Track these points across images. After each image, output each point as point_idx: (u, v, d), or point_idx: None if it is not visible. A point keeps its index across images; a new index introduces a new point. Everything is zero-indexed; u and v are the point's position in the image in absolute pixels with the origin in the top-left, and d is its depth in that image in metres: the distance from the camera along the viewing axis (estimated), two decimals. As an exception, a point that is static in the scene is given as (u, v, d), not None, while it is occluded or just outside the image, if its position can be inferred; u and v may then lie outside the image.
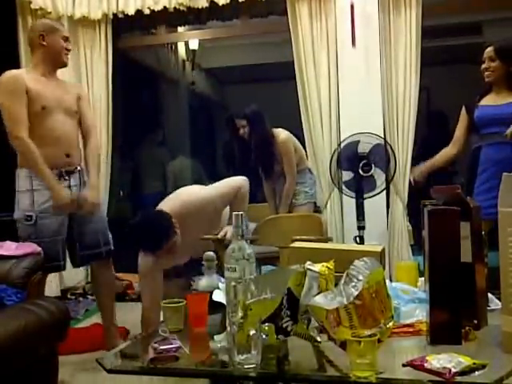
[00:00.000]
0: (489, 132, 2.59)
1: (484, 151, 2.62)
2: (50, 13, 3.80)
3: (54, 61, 2.54)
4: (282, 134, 3.35)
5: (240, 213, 1.22)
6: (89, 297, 3.74)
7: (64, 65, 2.60)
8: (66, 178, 2.49)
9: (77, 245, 2.58)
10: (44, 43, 2.50)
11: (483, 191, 2.55)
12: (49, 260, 2.36)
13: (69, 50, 2.58)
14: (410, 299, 1.41)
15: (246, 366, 1.08)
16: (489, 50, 2.60)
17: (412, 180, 2.96)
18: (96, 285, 2.75)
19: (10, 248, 2.20)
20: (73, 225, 2.55)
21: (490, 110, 2.62)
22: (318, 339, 1.18)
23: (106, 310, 2.71)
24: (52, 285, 3.48)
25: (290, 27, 3.63)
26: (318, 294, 1.19)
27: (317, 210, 3.45)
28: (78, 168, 2.55)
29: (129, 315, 3.23)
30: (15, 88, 2.39)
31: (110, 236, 2.70)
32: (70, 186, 2.49)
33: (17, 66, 3.74)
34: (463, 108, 2.77)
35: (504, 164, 2.44)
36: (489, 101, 2.65)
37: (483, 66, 2.62)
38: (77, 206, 2.51)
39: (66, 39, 2.57)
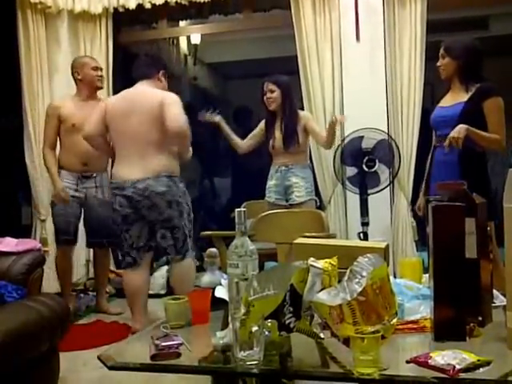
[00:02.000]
0: (439, 134, 2.60)
1: (435, 153, 2.64)
2: (50, 7, 3.80)
3: (89, 88, 3.27)
4: (302, 111, 3.30)
5: (242, 209, 1.21)
6: (90, 293, 3.75)
7: (98, 88, 3.32)
8: (83, 180, 3.27)
9: (89, 229, 3.38)
10: (79, 77, 3.26)
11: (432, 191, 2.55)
12: (62, 234, 3.27)
13: (100, 77, 3.30)
14: (414, 295, 1.40)
15: (248, 363, 1.08)
16: (441, 49, 2.64)
17: (418, 209, 2.83)
18: (95, 264, 3.55)
19: (10, 244, 2.20)
20: (86, 216, 3.33)
21: (439, 111, 2.64)
22: (321, 336, 1.17)
23: (99, 282, 3.53)
24: (53, 281, 3.49)
25: (294, 21, 3.61)
26: (321, 290, 1.18)
27: (318, 207, 3.38)
28: (94, 175, 3.29)
29: (128, 312, 3.23)
30: (48, 115, 3.27)
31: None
32: (85, 188, 3.28)
33: (16, 59, 3.75)
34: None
35: (446, 166, 2.49)
36: (443, 101, 2.66)
37: (437, 64, 2.65)
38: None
39: (96, 68, 3.29)
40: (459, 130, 2.41)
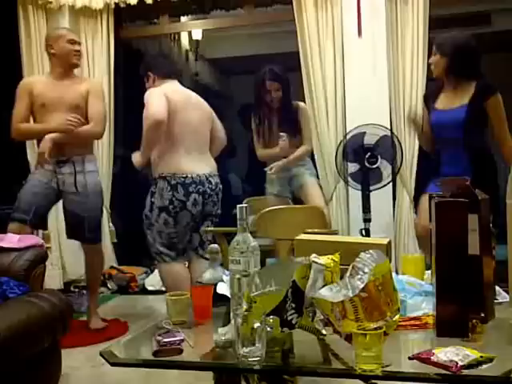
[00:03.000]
0: (443, 137, 2.57)
1: (442, 155, 2.60)
2: (51, 2, 3.79)
3: (64, 64, 2.84)
4: (300, 103, 3.26)
5: (244, 205, 1.21)
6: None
7: (74, 66, 2.88)
8: (60, 165, 2.81)
9: (68, 223, 2.91)
10: (53, 51, 2.84)
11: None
12: (21, 211, 2.77)
13: (77, 51, 2.86)
14: (417, 292, 1.40)
15: (250, 359, 1.07)
16: (434, 44, 2.58)
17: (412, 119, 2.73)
18: (85, 264, 2.99)
19: (12, 240, 2.20)
20: (65, 207, 2.89)
21: (441, 116, 2.57)
22: (323, 332, 1.17)
23: (87, 285, 2.98)
24: (55, 278, 3.50)
25: (295, 17, 3.60)
26: (324, 286, 1.18)
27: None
28: (72, 159, 2.82)
29: (130, 308, 3.24)
30: (19, 93, 2.82)
31: (112, 230, 2.98)
32: (62, 174, 2.81)
33: (17, 54, 3.74)
34: (423, 102, 2.74)
35: (457, 167, 2.44)
36: (441, 103, 2.59)
37: (430, 60, 2.61)
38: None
39: (73, 42, 2.85)
40: None
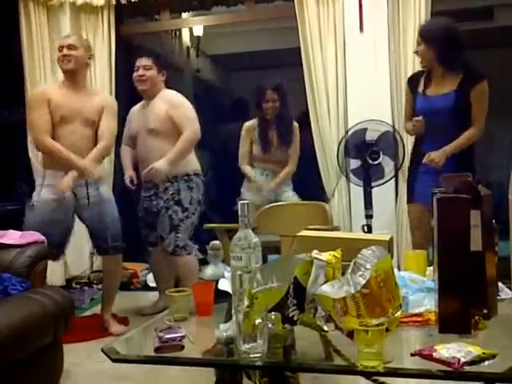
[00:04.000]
0: (430, 125, 2.53)
1: (423, 143, 2.59)
2: (52, -1, 3.77)
3: (63, 73, 2.81)
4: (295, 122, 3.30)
5: (246, 201, 1.20)
6: (94, 286, 3.76)
7: (67, 72, 2.79)
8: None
9: (92, 236, 2.88)
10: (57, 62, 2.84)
11: (423, 179, 2.53)
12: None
13: (64, 56, 2.76)
14: (419, 288, 1.39)
15: (251, 355, 1.07)
16: (417, 36, 2.55)
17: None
18: (103, 273, 3.06)
19: (13, 237, 2.20)
20: (82, 220, 2.84)
21: (427, 102, 2.55)
22: (325, 328, 1.16)
23: (105, 299, 2.97)
24: (57, 274, 3.50)
25: (297, 12, 3.58)
26: (325, 283, 1.17)
27: (315, 195, 3.38)
28: (88, 180, 2.77)
29: (132, 304, 3.25)
30: (39, 101, 2.73)
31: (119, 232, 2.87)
32: (75, 187, 2.74)
33: (18, 51, 3.73)
34: (406, 85, 2.70)
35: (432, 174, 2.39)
36: (429, 90, 2.56)
37: (416, 49, 2.58)
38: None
39: (61, 48, 2.78)
40: (440, 158, 2.44)
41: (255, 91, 3.28)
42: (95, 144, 2.79)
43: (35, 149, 2.80)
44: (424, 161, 2.48)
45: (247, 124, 3.32)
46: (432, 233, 1.28)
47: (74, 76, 2.79)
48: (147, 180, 3.00)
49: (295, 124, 3.30)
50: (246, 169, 3.27)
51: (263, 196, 3.21)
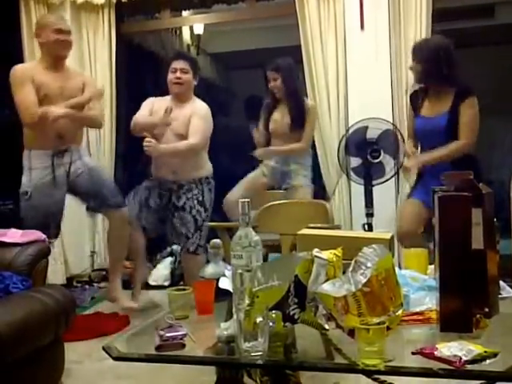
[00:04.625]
0: (426, 146, 2.59)
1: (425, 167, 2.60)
2: (53, -3, 3.77)
3: (51, 54, 2.79)
4: (310, 101, 3.29)
5: (246, 200, 1.20)
6: (95, 284, 3.76)
7: (61, 57, 2.81)
8: (59, 156, 2.80)
9: (87, 201, 2.97)
10: (40, 40, 2.79)
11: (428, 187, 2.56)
12: (44, 230, 2.55)
13: (64, 42, 2.77)
14: (420, 287, 1.39)
15: (252, 354, 1.07)
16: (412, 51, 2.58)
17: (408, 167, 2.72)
18: (108, 236, 3.06)
19: (14, 235, 2.20)
20: (76, 191, 2.89)
21: (423, 123, 2.57)
22: (326, 327, 1.16)
23: (112, 262, 3.01)
24: (58, 273, 3.50)
25: (297, 10, 3.58)
26: (326, 281, 1.17)
27: (316, 194, 3.34)
28: (72, 147, 2.85)
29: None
30: (23, 79, 2.70)
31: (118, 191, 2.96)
32: (63, 164, 2.81)
33: (19, 49, 3.73)
34: (409, 102, 2.72)
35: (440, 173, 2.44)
36: (425, 110, 2.58)
37: (410, 66, 2.61)
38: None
39: (59, 31, 2.76)
40: (413, 165, 2.55)
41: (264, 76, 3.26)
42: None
43: (28, 126, 2.73)
44: (401, 169, 2.58)
45: (267, 101, 3.30)
46: (433, 231, 1.27)
47: (63, 60, 2.85)
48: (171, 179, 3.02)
49: (310, 103, 3.25)
50: (255, 137, 3.28)
51: (271, 169, 3.20)
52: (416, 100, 2.64)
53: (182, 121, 2.99)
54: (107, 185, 2.93)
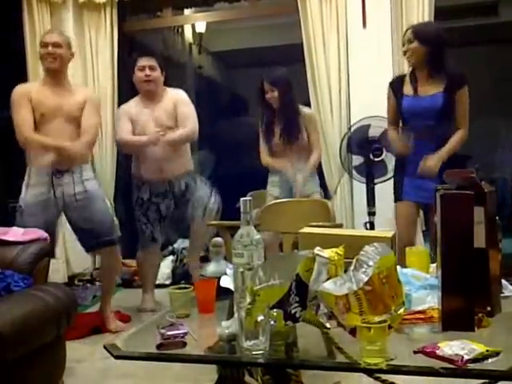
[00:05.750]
0: (414, 125, 2.58)
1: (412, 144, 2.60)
2: (55, -4, 3.77)
3: (45, 70, 2.77)
4: (308, 109, 3.25)
5: (248, 198, 1.20)
6: (96, 283, 3.77)
7: (49, 70, 2.74)
8: (58, 176, 2.72)
9: (78, 234, 2.82)
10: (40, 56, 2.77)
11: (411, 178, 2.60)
12: None
13: (49, 55, 2.70)
14: (422, 285, 1.39)
15: (254, 352, 1.07)
16: (407, 33, 2.59)
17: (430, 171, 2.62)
18: (100, 269, 3.08)
19: (16, 234, 2.20)
20: (70, 219, 2.80)
21: (415, 102, 2.57)
22: (327, 325, 1.16)
23: (103, 294, 2.94)
24: (59, 271, 3.50)
25: (299, 8, 3.57)
26: (328, 279, 1.17)
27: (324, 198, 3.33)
28: (72, 169, 2.73)
29: (134, 302, 3.25)
30: (20, 100, 2.69)
31: (116, 224, 2.88)
32: (61, 184, 2.72)
33: (21, 49, 3.73)
34: (389, 89, 2.72)
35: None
36: (412, 91, 2.59)
37: (405, 47, 2.59)
38: None
39: (45, 45, 2.71)
40: (436, 164, 2.47)
41: (259, 86, 3.23)
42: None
43: (23, 147, 2.73)
44: (421, 167, 2.51)
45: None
46: (435, 229, 1.27)
47: (57, 74, 2.74)
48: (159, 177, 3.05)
49: (306, 111, 3.17)
50: (268, 160, 3.14)
51: (282, 181, 3.12)
52: (398, 85, 2.66)
53: (166, 115, 2.98)
54: (101, 220, 2.76)
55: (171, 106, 3.00)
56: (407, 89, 2.61)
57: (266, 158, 3.13)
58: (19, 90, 2.74)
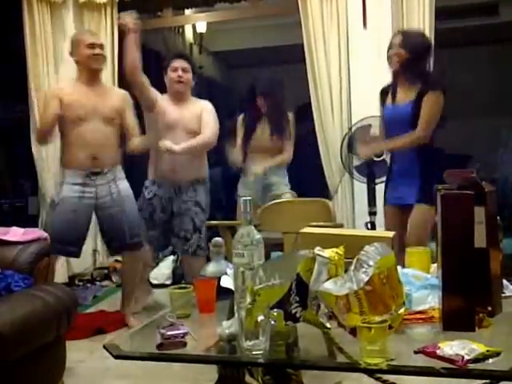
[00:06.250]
0: (391, 134, 2.61)
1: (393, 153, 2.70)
2: (55, -4, 3.77)
3: (86, 70, 2.80)
4: (289, 112, 3.32)
5: (248, 198, 1.19)
6: (97, 283, 3.76)
7: (95, 70, 2.82)
8: (93, 178, 2.77)
9: (107, 236, 2.88)
10: (75, 58, 2.82)
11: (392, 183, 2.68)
12: (63, 243, 2.65)
13: (97, 55, 2.78)
14: (422, 285, 1.38)
15: (254, 353, 1.07)
16: (396, 38, 2.63)
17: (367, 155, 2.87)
18: (122, 270, 3.05)
19: (16, 234, 2.20)
20: (102, 219, 2.83)
21: (393, 110, 2.61)
22: (328, 325, 1.16)
23: (123, 295, 2.96)
24: (60, 271, 3.50)
25: (300, 8, 3.57)
26: (328, 279, 1.17)
27: (319, 192, 3.37)
28: (105, 170, 2.79)
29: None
30: (46, 101, 2.77)
31: (143, 226, 2.91)
32: (96, 186, 2.77)
33: (22, 48, 3.74)
34: (379, 98, 2.75)
35: (406, 167, 2.55)
36: (397, 98, 2.62)
37: (391, 52, 2.61)
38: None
39: (92, 46, 2.78)
40: (366, 152, 2.76)
41: (248, 89, 3.35)
42: (120, 140, 2.85)
43: (37, 142, 2.82)
44: (359, 149, 2.76)
45: (242, 116, 3.36)
46: (436, 229, 1.27)
47: (98, 75, 2.84)
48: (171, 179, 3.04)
49: (289, 114, 3.30)
50: (233, 155, 3.27)
51: (253, 182, 3.21)
52: (385, 96, 2.69)
53: (193, 118, 3.02)
54: (131, 221, 2.81)
55: (199, 111, 3.05)
56: (388, 98, 2.65)
57: (238, 157, 3.26)
58: (51, 89, 2.91)
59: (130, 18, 2.85)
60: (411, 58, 2.53)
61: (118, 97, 2.88)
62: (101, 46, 2.84)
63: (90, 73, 2.80)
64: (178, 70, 3.02)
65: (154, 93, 3.02)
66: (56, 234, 2.53)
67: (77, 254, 2.85)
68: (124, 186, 2.86)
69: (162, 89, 3.13)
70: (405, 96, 2.57)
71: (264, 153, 3.25)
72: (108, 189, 2.79)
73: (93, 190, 2.76)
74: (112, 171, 2.81)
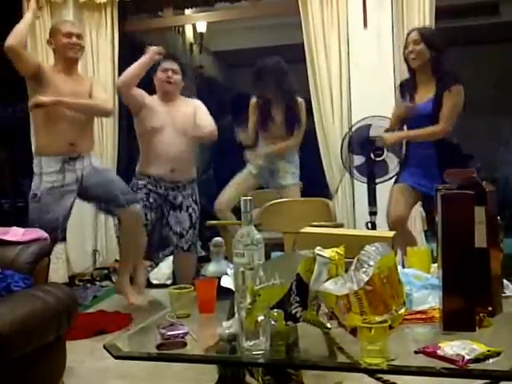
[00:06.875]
0: (410, 129, 2.69)
1: (410, 147, 2.78)
2: (55, -5, 3.77)
3: (63, 59, 2.82)
4: (299, 98, 3.34)
5: (248, 198, 1.19)
6: (97, 283, 3.76)
7: (72, 59, 2.84)
8: (71, 163, 2.80)
9: (102, 202, 2.92)
10: (53, 46, 2.85)
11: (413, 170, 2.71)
12: (47, 232, 2.57)
13: (74, 45, 2.80)
14: (423, 285, 1.38)
15: (254, 353, 1.07)
16: (413, 35, 2.62)
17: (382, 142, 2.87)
18: (121, 234, 3.01)
19: (16, 234, 2.20)
20: (88, 193, 2.85)
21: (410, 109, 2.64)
22: (328, 325, 1.16)
23: (124, 257, 3.00)
24: (60, 271, 3.50)
25: (300, 8, 3.57)
26: (328, 279, 1.17)
27: (303, 191, 3.37)
28: (83, 155, 2.85)
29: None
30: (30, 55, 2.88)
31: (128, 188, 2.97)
32: (75, 170, 2.81)
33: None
34: (399, 91, 2.80)
35: (425, 159, 2.60)
36: (418, 97, 2.65)
37: (407, 50, 2.62)
38: None
39: (69, 35, 2.80)
40: (390, 139, 2.72)
41: (253, 72, 3.33)
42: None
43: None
44: (379, 135, 2.74)
45: (254, 100, 3.35)
46: (436, 228, 1.27)
47: (75, 64, 2.88)
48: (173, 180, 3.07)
49: (300, 100, 3.30)
50: (243, 135, 3.29)
51: (259, 166, 3.24)
52: (407, 88, 2.71)
53: (184, 118, 3.04)
54: (116, 184, 2.91)
55: (191, 110, 3.08)
56: (408, 95, 2.68)
57: (249, 137, 3.29)
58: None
59: (157, 48, 2.97)
60: (433, 53, 2.55)
61: (87, 80, 2.99)
62: (78, 36, 2.84)
63: (66, 61, 2.83)
64: (168, 71, 3.06)
65: (141, 96, 3.04)
66: (43, 226, 2.46)
67: (63, 238, 2.96)
68: (100, 165, 2.98)
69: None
70: (424, 94, 2.59)
71: (274, 139, 3.28)
72: (86, 171, 2.84)
73: (73, 174, 2.80)
74: (88, 156, 2.89)
